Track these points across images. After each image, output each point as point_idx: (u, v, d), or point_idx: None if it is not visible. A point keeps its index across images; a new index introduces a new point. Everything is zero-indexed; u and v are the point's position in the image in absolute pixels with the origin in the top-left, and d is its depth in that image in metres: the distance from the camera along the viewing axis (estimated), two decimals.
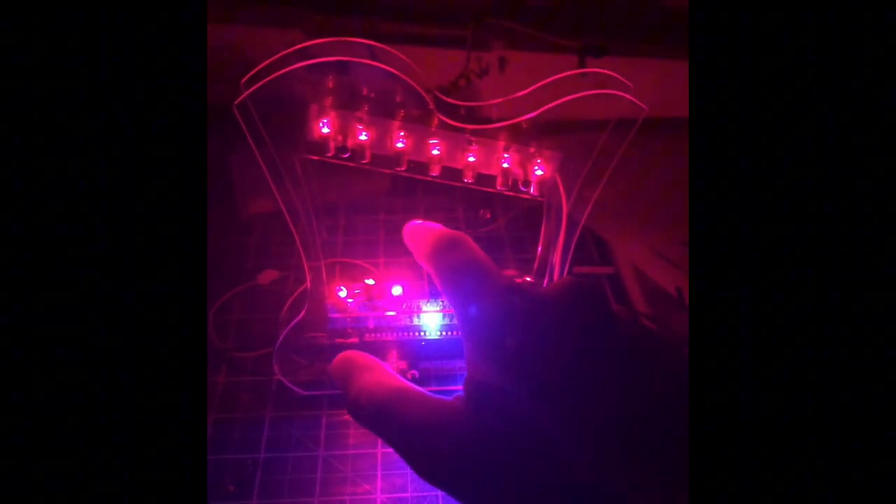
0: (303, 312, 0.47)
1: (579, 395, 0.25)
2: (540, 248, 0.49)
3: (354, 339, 0.49)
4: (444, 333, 0.48)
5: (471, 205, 0.71)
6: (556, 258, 0.47)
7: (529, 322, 0.27)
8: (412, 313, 0.48)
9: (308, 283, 0.47)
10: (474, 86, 0.78)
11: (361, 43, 0.41)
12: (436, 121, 0.43)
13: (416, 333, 0.48)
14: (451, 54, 0.77)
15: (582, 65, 0.78)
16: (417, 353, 0.49)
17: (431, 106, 0.41)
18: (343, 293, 0.48)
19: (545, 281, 0.48)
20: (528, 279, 0.50)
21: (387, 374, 0.31)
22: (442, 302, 0.49)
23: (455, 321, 0.48)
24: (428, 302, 0.49)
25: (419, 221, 0.34)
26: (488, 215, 0.69)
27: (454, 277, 0.30)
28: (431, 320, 0.48)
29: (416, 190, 0.73)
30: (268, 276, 0.59)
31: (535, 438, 0.25)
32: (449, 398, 0.28)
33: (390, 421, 0.29)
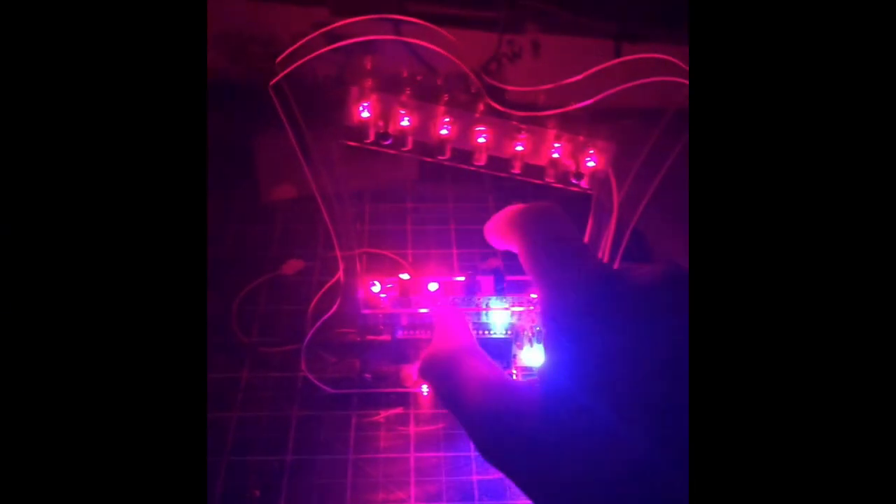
0: (335, 307, 0.45)
1: (663, 399, 0.23)
2: (586, 242, 0.46)
3: (387, 337, 0.46)
4: (508, 332, 0.46)
5: (501, 194, 0.68)
6: (604, 255, 0.45)
7: (618, 312, 0.25)
8: (479, 310, 0.46)
9: (341, 276, 0.44)
10: (505, 70, 0.75)
11: (393, 20, 0.38)
12: (482, 106, 0.40)
13: (484, 332, 0.46)
14: (482, 37, 0.74)
15: (618, 51, 0.75)
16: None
17: (479, 87, 0.38)
18: (376, 288, 0.45)
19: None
20: None
21: (471, 344, 0.29)
22: (510, 299, 0.46)
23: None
24: (496, 298, 0.46)
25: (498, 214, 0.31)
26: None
27: (544, 255, 0.27)
28: (499, 318, 0.46)
29: (444, 177, 0.70)
30: (293, 267, 0.57)
31: (611, 438, 0.23)
32: (527, 385, 0.27)
33: (460, 394, 0.27)
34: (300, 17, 0.72)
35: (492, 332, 0.46)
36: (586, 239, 0.46)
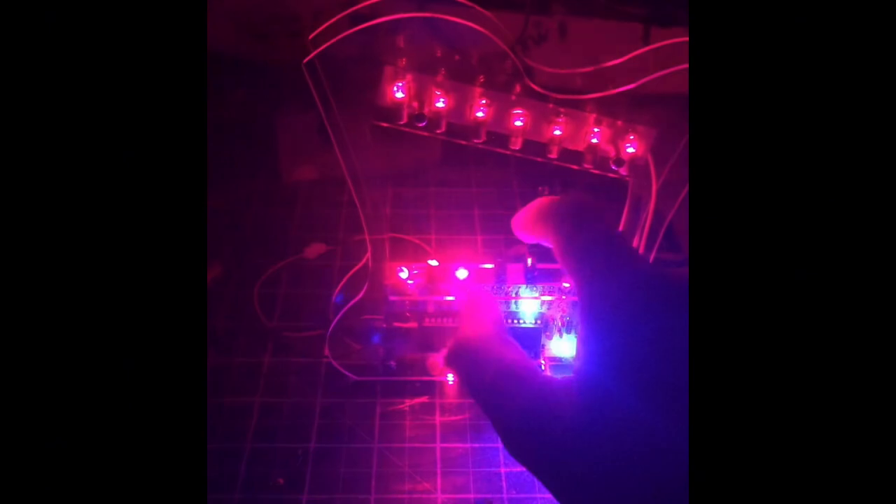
0: (362, 292, 0.44)
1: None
2: (621, 231, 0.45)
3: (413, 324, 0.45)
4: (537, 322, 0.45)
5: (526, 178, 0.66)
6: (638, 242, 0.43)
7: (666, 316, 0.24)
8: (508, 298, 0.44)
9: (370, 261, 0.43)
10: (531, 52, 0.73)
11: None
12: (518, 88, 0.38)
13: (513, 321, 0.45)
14: (506, 17, 0.72)
15: (646, 34, 0.73)
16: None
17: (518, 67, 0.37)
18: (404, 274, 0.44)
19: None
20: None
21: (502, 331, 0.28)
22: (539, 287, 0.45)
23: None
24: (526, 287, 0.45)
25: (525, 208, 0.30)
26: (546, 191, 0.64)
27: (586, 253, 0.26)
28: (529, 307, 0.44)
29: (468, 161, 0.68)
30: (315, 250, 0.56)
31: (650, 446, 0.23)
32: (559, 379, 0.25)
33: (489, 384, 0.26)
34: None
35: (521, 321, 0.45)
36: (621, 227, 0.45)
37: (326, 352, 0.46)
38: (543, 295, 0.45)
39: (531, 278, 0.44)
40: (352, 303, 0.44)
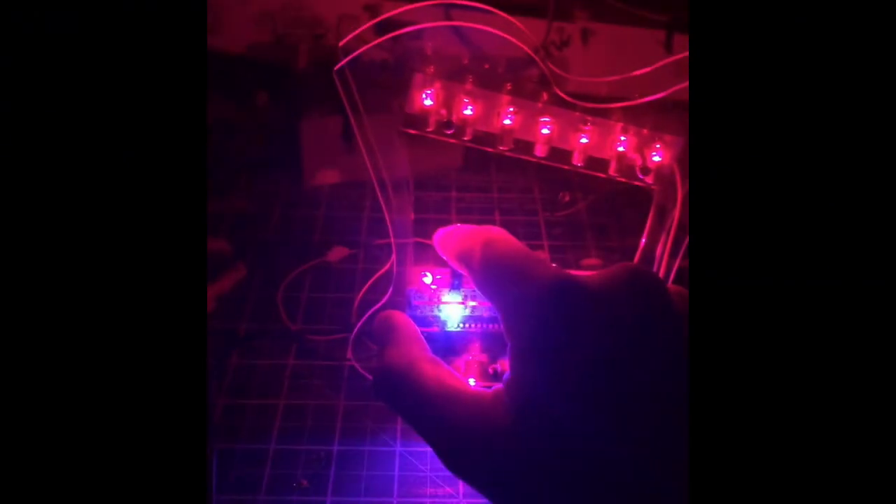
0: (386, 296, 0.44)
1: (632, 400, 0.23)
2: (644, 240, 0.45)
3: (435, 329, 0.46)
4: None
5: (548, 185, 0.67)
6: (662, 252, 0.43)
7: (579, 321, 0.24)
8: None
9: (394, 265, 0.43)
10: (554, 58, 0.73)
11: (447, 4, 0.37)
12: (545, 95, 0.39)
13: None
14: (529, 23, 0.72)
15: (669, 42, 0.73)
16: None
17: (545, 75, 0.37)
18: (428, 279, 0.45)
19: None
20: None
21: (425, 352, 0.29)
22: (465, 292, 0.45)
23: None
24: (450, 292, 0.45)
25: (447, 228, 0.32)
26: (567, 198, 0.64)
27: (492, 275, 0.27)
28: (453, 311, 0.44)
29: (489, 166, 0.69)
30: (338, 253, 0.56)
31: (583, 444, 0.23)
32: (487, 391, 0.26)
33: (422, 407, 0.27)
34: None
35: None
36: (644, 237, 0.45)
37: (349, 354, 0.47)
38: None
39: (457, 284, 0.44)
40: (376, 307, 0.44)
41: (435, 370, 0.28)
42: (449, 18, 0.37)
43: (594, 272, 0.26)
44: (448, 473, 0.42)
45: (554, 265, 0.31)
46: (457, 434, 0.25)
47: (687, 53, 0.38)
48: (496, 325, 0.45)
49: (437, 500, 0.41)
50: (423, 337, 0.31)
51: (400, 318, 0.32)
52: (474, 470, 0.25)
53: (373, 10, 0.75)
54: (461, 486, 0.42)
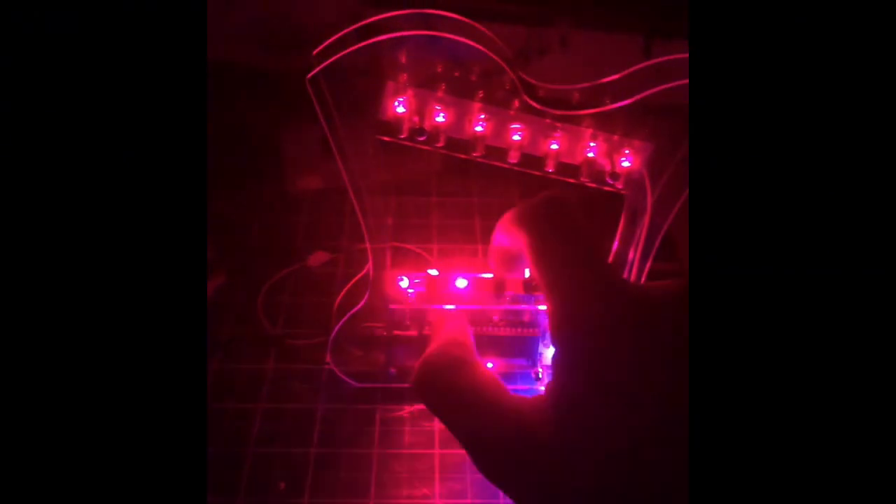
0: (363, 300, 0.45)
1: (679, 417, 0.22)
2: (616, 243, 0.45)
3: (413, 332, 0.46)
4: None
5: (527, 189, 0.67)
6: (633, 255, 0.44)
7: (637, 331, 0.24)
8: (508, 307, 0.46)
9: (371, 269, 0.44)
10: (532, 65, 0.74)
11: (423, 14, 0.38)
12: (517, 103, 0.39)
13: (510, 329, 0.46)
14: (509, 29, 0.73)
15: (648, 48, 0.74)
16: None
17: (515, 83, 0.38)
18: (405, 283, 0.45)
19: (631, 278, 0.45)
20: None
21: (469, 354, 0.27)
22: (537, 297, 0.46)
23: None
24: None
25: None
26: None
27: (551, 261, 0.25)
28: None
29: (468, 171, 0.69)
30: (318, 258, 0.57)
31: (629, 457, 0.23)
32: (529, 397, 0.25)
33: (458, 410, 0.26)
34: (329, 7, 0.72)
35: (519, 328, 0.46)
36: (616, 241, 0.45)
37: (328, 359, 0.47)
38: (542, 303, 0.46)
39: (529, 287, 0.45)
40: (353, 311, 0.45)
41: (476, 373, 0.26)
42: (427, 27, 0.38)
43: (658, 284, 0.25)
44: (425, 475, 0.43)
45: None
46: (493, 440, 0.25)
47: (653, 62, 0.39)
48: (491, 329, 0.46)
49: (413, 500, 0.42)
50: (471, 339, 0.29)
51: (453, 317, 0.31)
52: (509, 476, 0.25)
53: (356, 19, 0.76)
54: (437, 486, 0.42)
